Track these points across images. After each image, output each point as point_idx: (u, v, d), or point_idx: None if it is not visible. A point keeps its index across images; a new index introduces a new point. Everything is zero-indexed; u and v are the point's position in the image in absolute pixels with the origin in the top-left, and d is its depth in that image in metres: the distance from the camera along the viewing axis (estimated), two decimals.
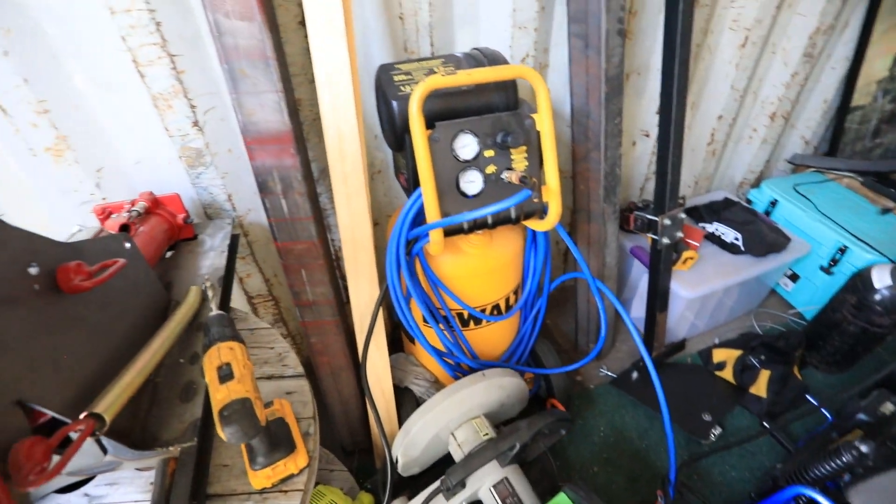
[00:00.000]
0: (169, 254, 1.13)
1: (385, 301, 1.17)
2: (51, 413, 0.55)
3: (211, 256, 1.10)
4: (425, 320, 1.16)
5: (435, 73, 1.00)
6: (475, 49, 1.06)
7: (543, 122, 0.96)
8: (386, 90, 0.96)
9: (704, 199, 1.94)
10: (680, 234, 1.47)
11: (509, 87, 1.00)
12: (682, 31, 1.23)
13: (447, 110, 0.96)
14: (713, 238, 1.76)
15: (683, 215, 1.45)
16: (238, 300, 1.51)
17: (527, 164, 0.99)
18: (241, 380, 0.59)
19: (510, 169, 0.97)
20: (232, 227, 1.20)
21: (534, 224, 1.07)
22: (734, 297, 1.80)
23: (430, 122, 0.92)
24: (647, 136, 1.69)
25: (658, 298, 1.55)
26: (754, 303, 1.96)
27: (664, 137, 1.36)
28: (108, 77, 1.04)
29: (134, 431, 0.71)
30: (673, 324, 1.73)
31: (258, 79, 0.91)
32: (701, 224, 1.82)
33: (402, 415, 1.32)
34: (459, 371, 1.27)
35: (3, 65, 0.95)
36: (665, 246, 1.46)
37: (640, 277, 1.77)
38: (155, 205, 1.09)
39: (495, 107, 1.00)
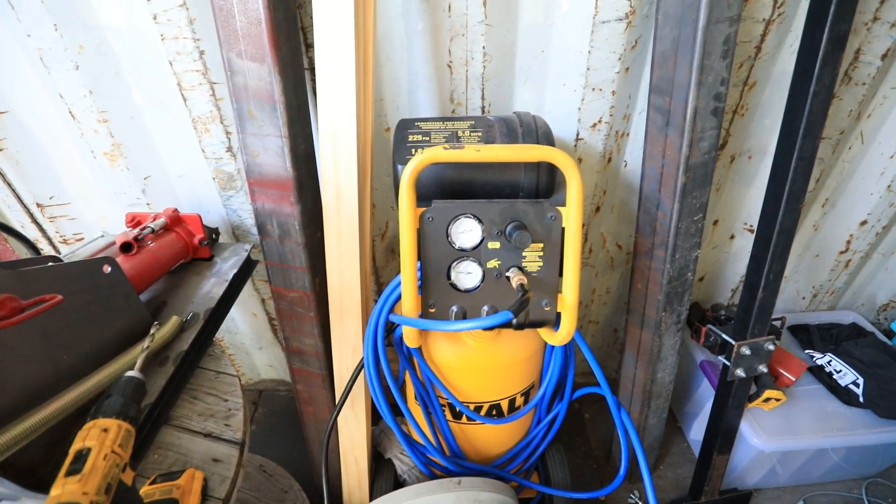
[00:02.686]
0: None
1: None
2: None
3: (211, 283, 1.08)
4: (397, 405, 1.01)
5: (460, 137, 0.87)
6: (515, 113, 0.90)
7: (570, 219, 0.77)
8: (395, 151, 0.84)
9: (823, 318, 1.53)
10: (763, 369, 1.14)
11: (542, 167, 0.82)
12: (809, 118, 0.94)
13: (461, 185, 0.82)
14: (820, 373, 1.36)
15: (773, 346, 1.12)
16: (261, 319, 1.52)
17: (541, 265, 0.80)
18: (87, 478, 0.52)
19: (519, 268, 0.80)
20: (249, 254, 1.18)
21: (544, 334, 0.88)
22: (841, 454, 1.37)
23: (430, 198, 0.79)
24: (752, 230, 1.36)
25: (719, 437, 1.22)
26: (872, 467, 1.48)
27: (762, 244, 1.07)
28: (158, 96, 1.07)
29: (47, 466, 0.69)
30: (742, 465, 1.36)
31: (264, 121, 0.86)
32: (808, 351, 1.42)
33: (377, 487, 1.19)
34: (435, 468, 1.10)
35: (75, 77, 1.03)
36: (739, 379, 1.14)
37: (709, 394, 1.43)
38: (175, 222, 1.10)
39: (520, 188, 0.83)
